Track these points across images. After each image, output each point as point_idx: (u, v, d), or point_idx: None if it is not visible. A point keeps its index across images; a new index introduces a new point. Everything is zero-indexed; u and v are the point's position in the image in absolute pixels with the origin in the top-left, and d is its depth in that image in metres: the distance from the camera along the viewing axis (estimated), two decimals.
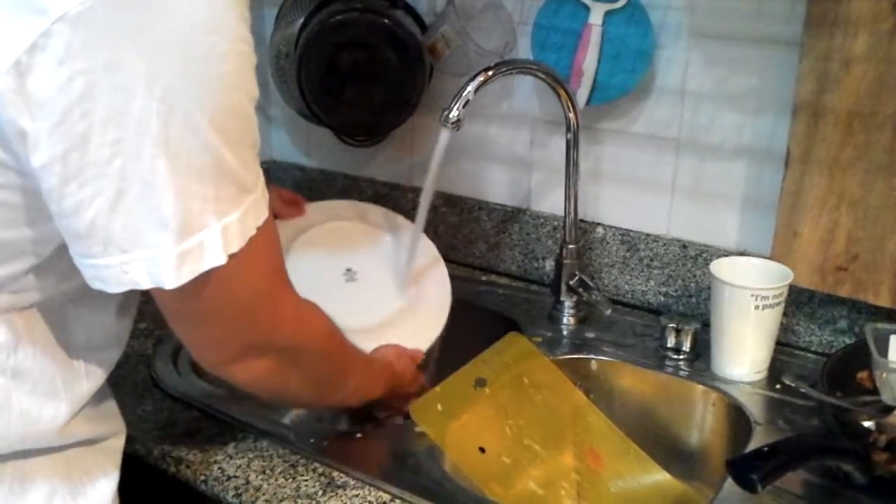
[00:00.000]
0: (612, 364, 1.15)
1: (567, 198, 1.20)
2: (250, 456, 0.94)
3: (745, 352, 1.07)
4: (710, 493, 0.99)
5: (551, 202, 1.33)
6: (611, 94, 1.19)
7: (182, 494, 0.93)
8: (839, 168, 1.04)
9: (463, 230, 1.43)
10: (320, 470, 0.92)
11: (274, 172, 1.63)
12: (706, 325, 1.11)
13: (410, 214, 1.20)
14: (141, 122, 0.59)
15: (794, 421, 1.00)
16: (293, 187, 1.61)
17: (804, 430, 0.99)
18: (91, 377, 0.77)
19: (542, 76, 1.14)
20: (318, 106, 1.33)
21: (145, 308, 0.78)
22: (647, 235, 1.26)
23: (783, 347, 1.14)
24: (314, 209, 1.21)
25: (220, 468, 0.92)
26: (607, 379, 1.15)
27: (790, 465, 0.82)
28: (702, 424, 1.10)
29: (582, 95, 1.19)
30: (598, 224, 1.30)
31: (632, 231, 1.27)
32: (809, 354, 1.15)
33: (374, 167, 1.52)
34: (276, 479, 0.90)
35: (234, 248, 0.65)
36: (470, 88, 1.05)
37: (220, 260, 0.64)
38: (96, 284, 0.65)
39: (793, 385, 1.02)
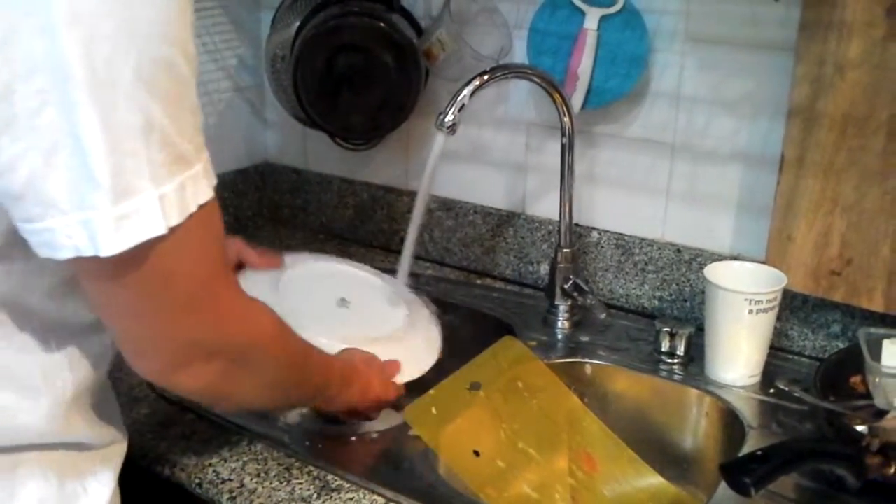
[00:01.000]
0: (606, 368, 1.15)
1: (562, 202, 1.21)
2: (245, 459, 0.94)
3: (739, 356, 1.07)
4: (704, 496, 1.00)
5: (546, 206, 1.33)
6: (606, 99, 1.20)
7: (177, 498, 0.93)
8: (833, 173, 1.04)
9: (458, 234, 1.43)
10: (315, 473, 0.92)
11: (269, 176, 1.63)
12: (700, 330, 1.11)
13: (406, 217, 1.20)
14: (65, 67, 0.55)
15: (787, 425, 1.01)
16: (289, 190, 1.62)
17: (798, 434, 0.99)
18: (76, 369, 0.74)
19: (538, 80, 1.14)
20: (314, 109, 1.33)
21: None
22: (642, 239, 1.26)
23: (777, 352, 1.14)
24: (293, 256, 1.18)
25: (214, 471, 0.92)
26: (602, 383, 1.15)
27: (783, 468, 0.82)
28: (696, 428, 1.10)
29: (577, 100, 1.19)
30: (593, 228, 1.30)
31: (626, 235, 1.27)
32: (803, 359, 1.15)
33: (370, 171, 1.52)
34: (271, 483, 0.90)
35: (174, 221, 0.61)
36: (465, 92, 1.05)
37: (159, 229, 0.60)
38: (43, 252, 0.61)
39: (786, 389, 1.02)
